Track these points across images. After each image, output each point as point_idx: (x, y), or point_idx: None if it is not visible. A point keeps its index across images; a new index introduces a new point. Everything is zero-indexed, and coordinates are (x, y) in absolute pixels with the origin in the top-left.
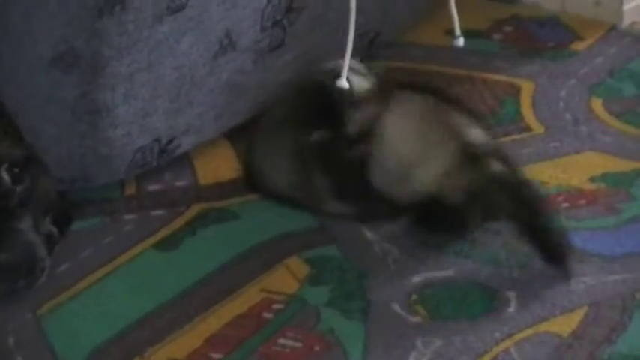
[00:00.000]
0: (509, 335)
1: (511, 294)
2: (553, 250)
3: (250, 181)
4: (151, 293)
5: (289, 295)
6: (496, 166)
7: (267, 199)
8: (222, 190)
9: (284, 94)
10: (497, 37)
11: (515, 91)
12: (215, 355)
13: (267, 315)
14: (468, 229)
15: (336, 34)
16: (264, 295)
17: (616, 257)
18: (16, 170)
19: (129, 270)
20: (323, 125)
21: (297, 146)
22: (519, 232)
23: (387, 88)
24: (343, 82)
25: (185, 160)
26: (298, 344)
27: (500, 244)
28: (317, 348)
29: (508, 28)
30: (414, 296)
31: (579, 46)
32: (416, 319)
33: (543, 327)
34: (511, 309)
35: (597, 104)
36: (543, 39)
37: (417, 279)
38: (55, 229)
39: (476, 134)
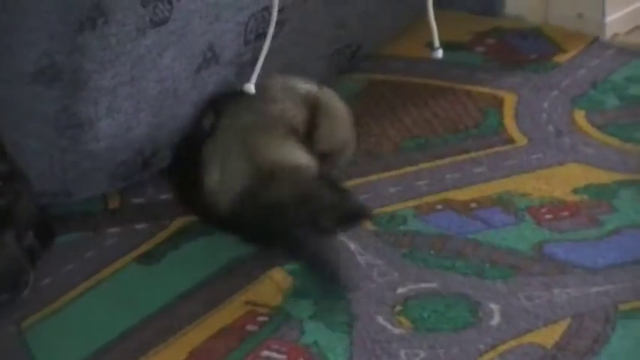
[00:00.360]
0: (493, 347)
1: (494, 306)
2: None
3: None
4: (135, 307)
5: (273, 307)
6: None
7: None
8: None
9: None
10: (479, 49)
11: (498, 103)
12: None
13: (251, 327)
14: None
15: (316, 46)
16: (249, 307)
17: (598, 269)
18: (0, 184)
19: (112, 284)
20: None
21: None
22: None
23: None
24: (250, 87)
25: None
26: (283, 357)
27: (484, 255)
28: None
29: (491, 41)
30: (398, 308)
31: (562, 58)
32: (400, 331)
33: (527, 339)
34: (495, 321)
35: (580, 116)
36: (526, 51)
37: (400, 291)
38: (37, 243)
39: None
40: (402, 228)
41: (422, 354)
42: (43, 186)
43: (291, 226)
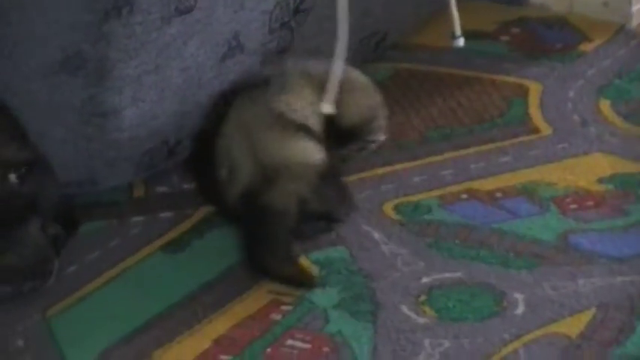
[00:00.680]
0: (518, 337)
1: (519, 296)
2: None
3: None
4: (159, 295)
5: (297, 296)
6: None
7: None
8: None
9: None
10: (504, 38)
11: (524, 92)
12: (223, 357)
13: (275, 316)
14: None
15: None
16: (273, 296)
17: (624, 259)
18: (23, 173)
19: (136, 272)
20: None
21: None
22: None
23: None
24: (328, 107)
25: None
26: (307, 346)
27: (509, 245)
28: (325, 349)
29: (516, 30)
30: (423, 297)
31: (587, 48)
32: (424, 321)
33: (552, 328)
34: (519, 311)
35: (605, 106)
36: (551, 40)
37: (425, 280)
38: (61, 231)
39: None
40: (426, 217)
41: (446, 343)
42: (68, 175)
43: (280, 241)
